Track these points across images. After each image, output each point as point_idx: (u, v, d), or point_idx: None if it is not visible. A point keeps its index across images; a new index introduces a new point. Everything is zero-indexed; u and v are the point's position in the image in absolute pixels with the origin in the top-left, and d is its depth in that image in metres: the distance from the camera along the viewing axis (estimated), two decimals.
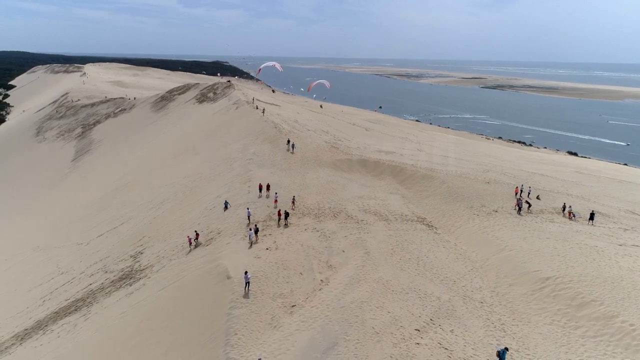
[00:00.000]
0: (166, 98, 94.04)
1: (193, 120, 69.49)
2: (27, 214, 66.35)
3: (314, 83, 73.68)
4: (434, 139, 76.82)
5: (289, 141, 44.26)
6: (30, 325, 29.55)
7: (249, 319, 18.92)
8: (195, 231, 29.21)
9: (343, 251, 24.70)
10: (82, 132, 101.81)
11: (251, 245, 25.34)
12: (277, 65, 68.85)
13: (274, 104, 71.38)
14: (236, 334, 18.03)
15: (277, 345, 17.16)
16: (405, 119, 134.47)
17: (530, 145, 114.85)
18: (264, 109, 56.32)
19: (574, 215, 30.42)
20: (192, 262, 26.47)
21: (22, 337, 28.35)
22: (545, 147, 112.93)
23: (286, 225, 27.80)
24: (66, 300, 30.57)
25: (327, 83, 69.90)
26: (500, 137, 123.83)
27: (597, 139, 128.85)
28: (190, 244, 28.44)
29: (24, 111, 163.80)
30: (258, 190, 32.61)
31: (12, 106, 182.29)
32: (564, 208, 32.25)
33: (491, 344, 17.05)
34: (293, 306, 19.72)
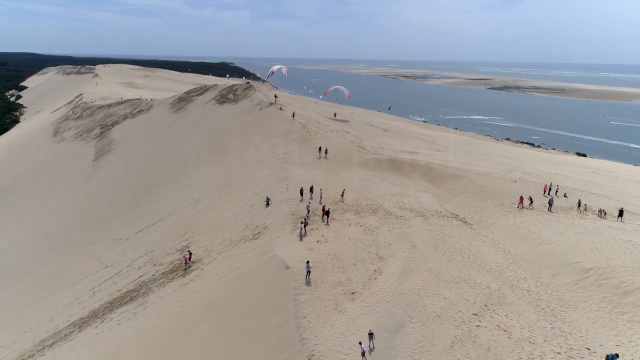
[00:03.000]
0: (184, 99, 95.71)
1: (216, 121, 71.12)
2: (53, 212, 68.11)
3: (331, 88, 72.74)
4: (448, 140, 78.15)
5: (320, 148, 44.26)
6: (85, 314, 31.12)
7: (315, 304, 20.36)
8: (189, 251, 30.79)
9: (389, 244, 26.12)
10: (101, 132, 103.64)
11: (301, 238, 26.80)
12: (284, 69, 69.24)
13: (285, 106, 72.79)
14: (305, 317, 19.48)
15: (347, 327, 18.59)
16: (412, 120, 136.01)
17: (539, 146, 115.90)
18: (293, 113, 57.50)
19: (604, 213, 31.74)
20: (243, 254, 27.95)
21: (80, 325, 29.92)
22: (554, 149, 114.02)
23: (327, 223, 29.12)
24: (118, 291, 32.13)
25: (345, 91, 68.37)
26: (508, 139, 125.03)
27: (605, 140, 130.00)
28: (186, 263, 29.92)
29: (38, 112, 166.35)
30: (300, 195, 33.04)
31: (26, 107, 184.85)
32: (579, 204, 33.65)
33: (545, 327, 18.45)
34: (353, 293, 21.16)
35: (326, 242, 26.34)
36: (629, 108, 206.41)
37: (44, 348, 29.50)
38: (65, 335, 29.67)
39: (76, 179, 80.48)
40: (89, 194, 67.91)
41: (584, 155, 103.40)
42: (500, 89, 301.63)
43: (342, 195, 32.66)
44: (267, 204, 33.54)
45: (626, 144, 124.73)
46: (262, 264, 25.28)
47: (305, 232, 27.26)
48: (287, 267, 23.47)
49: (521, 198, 33.91)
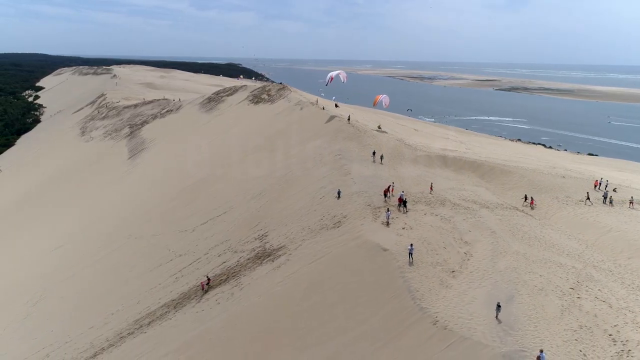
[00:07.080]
0: (214, 100, 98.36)
1: (254, 120, 73.61)
2: (98, 208, 70.67)
3: (380, 97, 66.93)
4: (472, 140, 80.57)
5: (374, 152, 44.67)
6: (176, 297, 33.56)
7: (422, 280, 22.80)
8: (207, 276, 32.73)
9: (469, 231, 28.52)
10: (131, 132, 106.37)
11: (388, 224, 29.25)
12: (342, 75, 63.30)
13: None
14: (417, 290, 21.92)
15: (459, 299, 21.00)
16: (423, 121, 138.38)
17: (551, 147, 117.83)
18: (349, 116, 58.06)
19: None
20: (330, 240, 30.36)
21: (174, 306, 32.36)
22: (566, 150, 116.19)
23: (405, 212, 31.54)
24: (204, 275, 34.53)
25: (386, 100, 62.22)
26: (519, 139, 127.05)
27: (613, 141, 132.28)
28: (203, 288, 31.86)
29: (59, 111, 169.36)
30: (383, 196, 34.17)
31: (45, 107, 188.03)
32: (605, 197, 35.73)
33: (637, 299, 20.83)
34: (453, 272, 23.57)
35: (411, 229, 28.77)
36: (637, 110, 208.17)
37: (141, 327, 31.94)
38: (161, 315, 32.12)
39: (114, 176, 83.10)
40: (133, 191, 70.42)
41: (596, 156, 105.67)
42: (508, 90, 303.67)
43: (431, 188, 35.32)
44: (338, 196, 35.96)
45: (632, 145, 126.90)
46: (355, 247, 27.70)
47: (388, 220, 29.71)
48: (385, 250, 25.91)
49: (532, 199, 35.42)
